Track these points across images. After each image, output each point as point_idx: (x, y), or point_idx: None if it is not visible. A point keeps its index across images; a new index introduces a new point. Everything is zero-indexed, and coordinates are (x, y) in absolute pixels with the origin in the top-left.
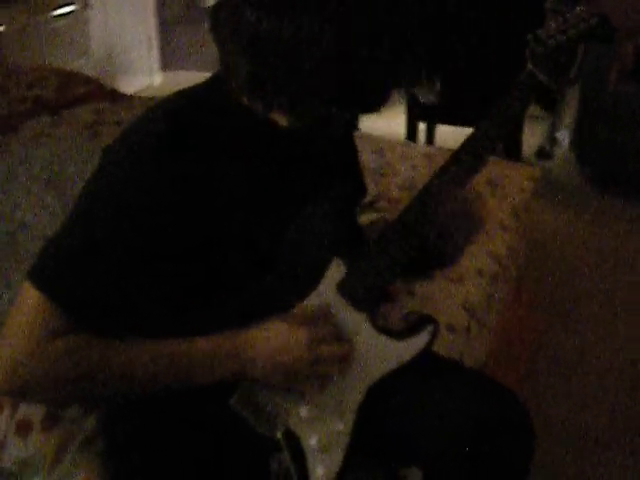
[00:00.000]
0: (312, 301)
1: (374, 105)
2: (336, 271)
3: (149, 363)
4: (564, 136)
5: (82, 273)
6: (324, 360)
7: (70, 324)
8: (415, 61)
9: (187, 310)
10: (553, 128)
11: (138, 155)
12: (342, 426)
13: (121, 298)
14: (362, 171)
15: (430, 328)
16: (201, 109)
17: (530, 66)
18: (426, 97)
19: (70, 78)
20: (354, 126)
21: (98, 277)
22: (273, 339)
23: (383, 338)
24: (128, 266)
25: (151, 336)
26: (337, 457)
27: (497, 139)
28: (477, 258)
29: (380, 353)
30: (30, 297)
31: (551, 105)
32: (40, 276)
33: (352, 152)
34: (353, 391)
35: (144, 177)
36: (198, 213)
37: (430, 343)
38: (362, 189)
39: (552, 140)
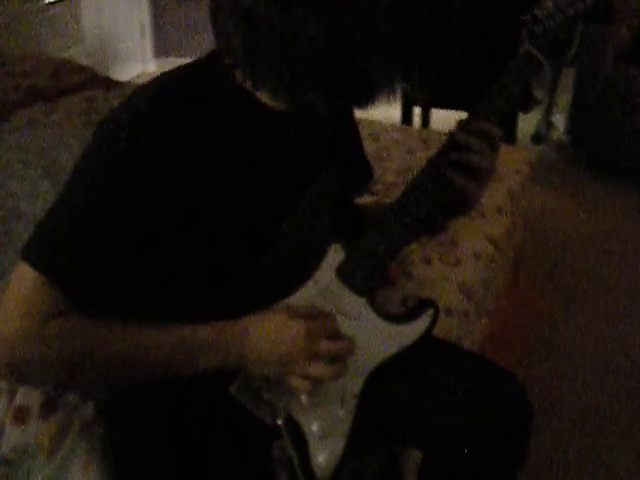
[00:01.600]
0: (311, 286)
1: (362, 100)
2: (335, 256)
3: (146, 347)
4: (559, 120)
5: (76, 249)
6: (318, 357)
7: (66, 304)
8: (409, 60)
9: (182, 293)
10: (548, 112)
11: (129, 129)
12: (343, 412)
13: (116, 275)
14: (366, 155)
15: (431, 312)
16: (196, 84)
17: (528, 46)
18: (418, 93)
19: (63, 66)
20: (350, 111)
21: (92, 253)
22: (271, 329)
23: (384, 322)
24: (122, 242)
25: (147, 320)
26: (339, 443)
27: (494, 121)
28: (474, 241)
29: (381, 338)
30: (25, 276)
31: (528, 106)
32: (34, 254)
33: (353, 136)
34: (354, 376)
35: (135, 151)
36: (190, 188)
37: (431, 327)
38: (366, 173)
39: (547, 124)
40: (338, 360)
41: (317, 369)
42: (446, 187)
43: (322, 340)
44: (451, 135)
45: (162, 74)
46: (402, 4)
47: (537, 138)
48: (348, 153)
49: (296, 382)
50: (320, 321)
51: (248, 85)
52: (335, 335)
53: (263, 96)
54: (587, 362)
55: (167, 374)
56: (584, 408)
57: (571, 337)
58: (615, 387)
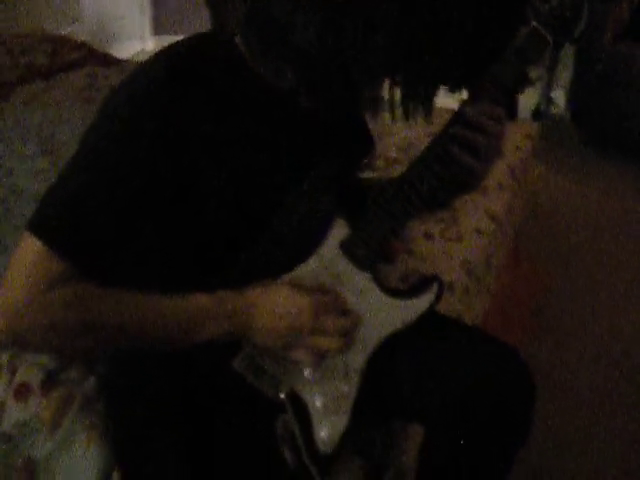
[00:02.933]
0: (315, 261)
1: (352, 100)
2: (339, 231)
3: (150, 314)
4: (560, 96)
5: (81, 220)
6: (324, 331)
7: (71, 273)
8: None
9: (184, 267)
10: (548, 88)
11: (136, 101)
12: (347, 387)
13: (121, 246)
14: (367, 124)
15: (435, 287)
16: (201, 57)
17: (534, 23)
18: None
19: (62, 43)
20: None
21: (97, 223)
22: (276, 302)
23: (388, 298)
24: (126, 212)
25: (150, 290)
26: (342, 419)
27: (499, 99)
28: (475, 217)
29: (385, 313)
30: (30, 246)
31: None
32: (39, 224)
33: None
34: (358, 352)
35: (141, 123)
36: (194, 159)
37: (435, 303)
38: (368, 143)
39: (548, 100)
40: (343, 334)
41: (321, 342)
42: (451, 164)
43: (328, 315)
44: (457, 113)
45: (167, 47)
46: (400, 13)
47: (537, 114)
48: (350, 124)
49: (300, 355)
50: (327, 296)
51: (250, 60)
52: (342, 311)
53: (262, 70)
54: (587, 338)
55: (171, 341)
56: (583, 384)
57: (571, 312)
58: (615, 363)
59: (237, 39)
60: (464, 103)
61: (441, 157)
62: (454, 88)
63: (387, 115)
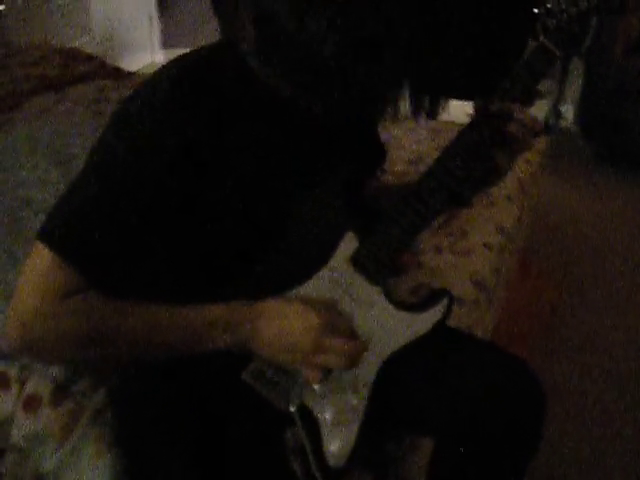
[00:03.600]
0: (325, 274)
1: (366, 110)
2: (349, 244)
3: (159, 323)
4: (568, 110)
5: (92, 230)
6: (329, 350)
7: (82, 283)
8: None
9: (194, 279)
10: (557, 102)
11: (147, 112)
12: (357, 400)
13: (131, 257)
14: (379, 136)
15: (445, 301)
16: (211, 70)
17: (542, 39)
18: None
19: (73, 56)
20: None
21: (107, 234)
22: (284, 317)
23: (398, 311)
24: (136, 223)
25: (161, 301)
26: (352, 432)
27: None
28: (484, 231)
29: (395, 326)
30: (40, 255)
31: (530, 99)
32: (50, 235)
33: (370, 122)
34: (368, 365)
35: (153, 134)
36: (206, 171)
37: (445, 316)
38: (379, 155)
39: (556, 114)
40: (348, 356)
41: (325, 361)
42: (478, 158)
43: (333, 335)
44: (477, 114)
45: (177, 58)
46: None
47: (546, 128)
48: (363, 137)
49: (305, 372)
50: (336, 316)
51: (261, 73)
52: (349, 332)
53: (276, 83)
54: (597, 352)
55: (179, 351)
56: (593, 397)
57: (580, 326)
58: (624, 376)
59: (246, 50)
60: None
61: (464, 156)
62: (469, 97)
63: (394, 125)
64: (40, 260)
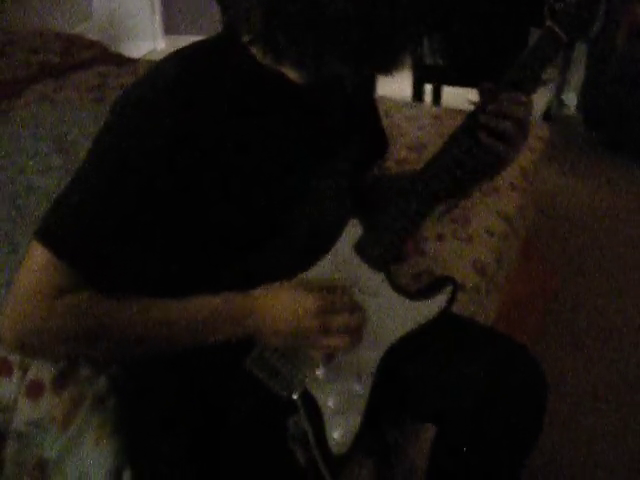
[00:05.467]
0: (328, 261)
1: (387, 66)
2: (353, 230)
3: (158, 319)
4: (571, 98)
5: (88, 229)
6: (333, 330)
7: (78, 282)
8: (427, 21)
9: (194, 271)
10: (560, 90)
11: (146, 106)
12: (360, 388)
13: (128, 255)
14: (382, 126)
15: (449, 289)
16: (213, 61)
17: (550, 23)
18: (432, 57)
19: (74, 42)
20: (372, 86)
21: (105, 233)
22: (285, 302)
23: (402, 298)
24: (135, 222)
25: (159, 296)
26: (355, 419)
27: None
28: (486, 218)
29: (398, 314)
30: (37, 255)
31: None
32: (46, 234)
33: (372, 107)
34: (371, 353)
35: (152, 129)
36: (207, 165)
37: (449, 304)
38: (382, 144)
39: (559, 102)
40: (351, 332)
41: (329, 341)
42: (479, 151)
43: (334, 313)
44: (479, 104)
45: (178, 50)
46: None
47: (548, 115)
48: (366, 125)
49: (312, 353)
50: (335, 294)
51: (268, 59)
52: (350, 307)
53: (284, 69)
54: (599, 339)
55: (179, 345)
56: (594, 384)
57: (582, 313)
58: (626, 363)
59: (248, 39)
60: (482, 97)
61: (469, 145)
62: (471, 84)
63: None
64: (36, 259)
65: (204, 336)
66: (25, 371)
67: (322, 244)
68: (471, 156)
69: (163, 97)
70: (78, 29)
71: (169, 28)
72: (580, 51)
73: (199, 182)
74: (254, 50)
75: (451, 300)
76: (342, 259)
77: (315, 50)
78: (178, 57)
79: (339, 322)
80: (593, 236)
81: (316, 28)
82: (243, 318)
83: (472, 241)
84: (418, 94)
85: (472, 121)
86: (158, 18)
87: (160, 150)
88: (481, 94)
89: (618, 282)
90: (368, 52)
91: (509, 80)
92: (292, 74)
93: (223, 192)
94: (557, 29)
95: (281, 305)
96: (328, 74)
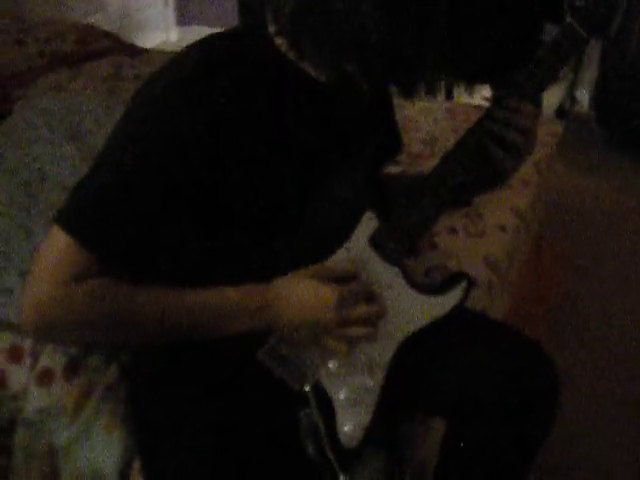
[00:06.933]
0: (343, 254)
1: (404, 89)
2: (368, 224)
3: (177, 308)
4: (584, 95)
5: (109, 215)
6: (352, 321)
7: (98, 267)
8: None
9: (213, 261)
10: (572, 86)
11: (168, 95)
12: (372, 382)
13: (149, 242)
14: (397, 125)
15: (464, 284)
16: (237, 50)
17: (570, 20)
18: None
19: (88, 32)
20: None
21: (125, 219)
22: (302, 295)
23: (416, 293)
24: (155, 208)
25: (177, 285)
26: (366, 413)
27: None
28: (499, 213)
29: (412, 309)
30: (57, 240)
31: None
32: (67, 219)
33: (388, 106)
34: (384, 347)
35: (173, 117)
36: (227, 155)
37: (463, 300)
38: (397, 144)
39: (571, 99)
40: (371, 321)
41: (350, 331)
42: (484, 159)
43: (353, 304)
44: (488, 109)
45: (202, 39)
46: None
47: (561, 113)
48: (382, 124)
49: (331, 344)
50: (351, 284)
51: (291, 54)
52: (366, 297)
53: (306, 66)
54: (610, 336)
55: (198, 335)
56: (604, 380)
57: (593, 309)
58: (636, 360)
59: (272, 33)
60: (494, 100)
61: (474, 151)
62: (493, 81)
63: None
64: (56, 243)
65: (223, 326)
66: (36, 358)
67: (338, 238)
68: (476, 162)
69: (187, 85)
70: (92, 19)
71: (182, 19)
72: (593, 48)
73: (221, 170)
74: (279, 41)
75: (465, 296)
76: (357, 252)
77: (335, 57)
78: (202, 46)
79: (358, 312)
80: (604, 232)
81: (340, 36)
82: (262, 309)
83: (484, 236)
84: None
85: (476, 131)
86: (171, 9)
87: (183, 138)
88: (497, 92)
89: (629, 279)
90: (388, 71)
91: (529, 75)
92: (312, 72)
93: (243, 181)
94: (577, 26)
95: (300, 297)
96: (345, 78)
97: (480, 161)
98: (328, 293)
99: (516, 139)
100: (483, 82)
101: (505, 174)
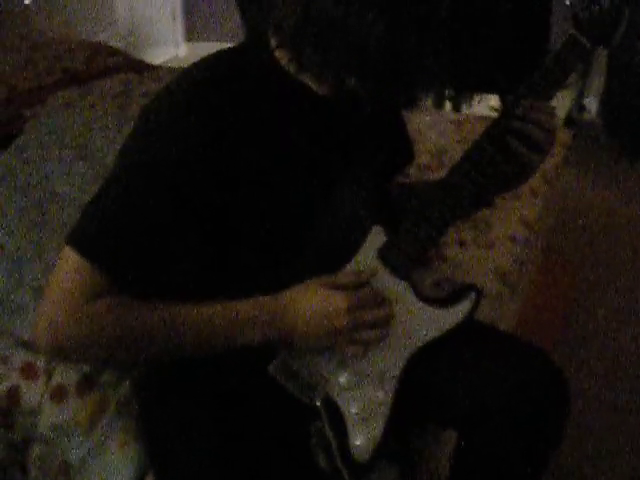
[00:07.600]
0: (352, 268)
1: (404, 100)
2: (376, 238)
3: (189, 324)
4: (591, 103)
5: (120, 234)
6: (364, 326)
7: (110, 286)
8: (461, 68)
9: (223, 277)
10: (580, 95)
11: (174, 113)
12: (383, 395)
13: (159, 260)
14: (408, 134)
15: (473, 296)
16: (239, 67)
17: (573, 31)
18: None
19: (98, 50)
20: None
21: (137, 238)
22: (313, 305)
23: (425, 306)
24: (165, 227)
25: (188, 301)
26: (377, 427)
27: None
28: (508, 224)
29: (422, 321)
30: (69, 260)
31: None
32: (78, 239)
33: (396, 116)
34: (394, 360)
35: (181, 136)
36: (232, 171)
37: (473, 311)
38: (408, 153)
39: (579, 107)
40: (382, 324)
41: (362, 336)
42: (508, 156)
43: (364, 309)
44: (504, 111)
45: (206, 57)
46: (461, 11)
47: (570, 121)
48: (390, 134)
49: (346, 349)
50: (361, 291)
51: (291, 67)
52: (376, 301)
53: (307, 79)
54: (619, 347)
55: (210, 349)
56: (614, 390)
57: (603, 320)
58: None
59: (273, 46)
60: (508, 102)
61: (493, 152)
62: (500, 91)
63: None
64: (68, 264)
65: (235, 340)
66: (50, 376)
67: (345, 252)
68: (495, 164)
69: (192, 103)
70: (101, 36)
71: (190, 35)
72: (601, 56)
73: (227, 188)
74: (280, 55)
75: (474, 308)
76: (365, 266)
77: (336, 69)
78: (206, 63)
79: (369, 317)
80: (613, 242)
81: (343, 48)
82: (274, 319)
83: (494, 247)
84: (438, 101)
85: (497, 129)
86: (180, 25)
87: (189, 156)
88: (505, 102)
89: (639, 289)
90: (388, 83)
91: (532, 88)
92: (314, 85)
93: (249, 197)
94: (581, 37)
95: (311, 306)
96: (347, 91)
97: (503, 158)
98: (339, 299)
99: (537, 134)
100: (487, 92)
101: (530, 169)
